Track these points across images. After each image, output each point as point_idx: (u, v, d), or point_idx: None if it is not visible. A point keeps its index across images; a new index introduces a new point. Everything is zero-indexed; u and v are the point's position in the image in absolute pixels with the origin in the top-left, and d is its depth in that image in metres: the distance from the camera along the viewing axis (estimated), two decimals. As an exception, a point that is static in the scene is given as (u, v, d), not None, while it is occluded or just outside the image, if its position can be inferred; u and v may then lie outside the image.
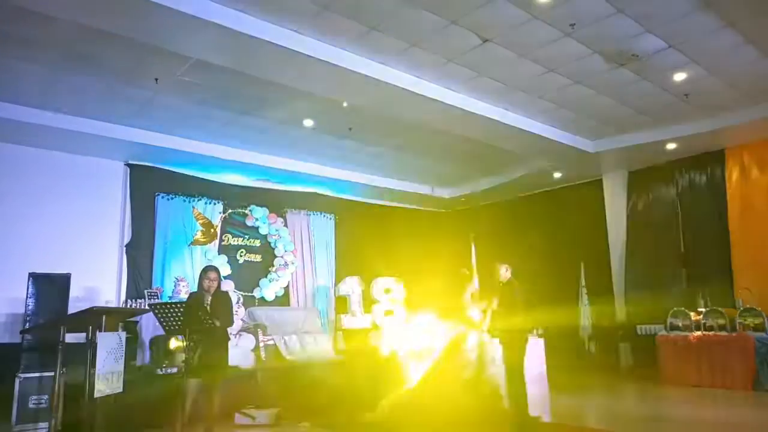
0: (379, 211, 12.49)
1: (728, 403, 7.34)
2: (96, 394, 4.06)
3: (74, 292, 6.87)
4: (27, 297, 6.51)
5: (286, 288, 10.67)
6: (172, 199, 9.57)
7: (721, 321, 8.38)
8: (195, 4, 5.17)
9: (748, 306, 8.31)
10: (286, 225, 10.92)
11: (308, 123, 8.43)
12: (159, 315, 4.77)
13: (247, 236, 10.52)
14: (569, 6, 5.51)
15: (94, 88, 6.99)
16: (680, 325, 8.83)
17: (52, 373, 4.76)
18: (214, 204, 10.06)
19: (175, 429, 4.82)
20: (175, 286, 8.34)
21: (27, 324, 6.45)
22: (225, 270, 9.38)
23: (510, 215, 12.42)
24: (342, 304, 10.70)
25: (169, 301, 7.19)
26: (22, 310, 6.68)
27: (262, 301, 10.26)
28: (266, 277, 10.49)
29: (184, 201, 9.69)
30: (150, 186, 9.36)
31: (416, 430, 5.33)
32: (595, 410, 7.53)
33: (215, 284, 5.44)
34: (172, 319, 4.75)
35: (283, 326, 9.15)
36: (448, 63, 6.69)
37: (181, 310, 4.76)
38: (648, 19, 5.81)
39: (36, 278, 6.60)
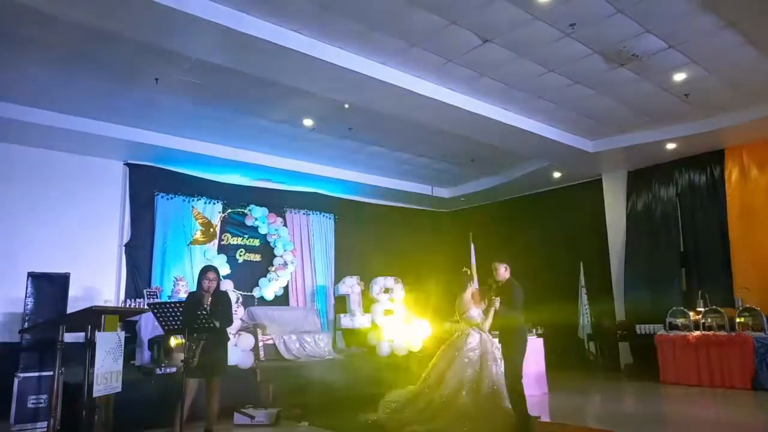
0: (379, 211, 12.49)
1: (727, 402, 7.34)
2: (95, 394, 4.05)
3: (73, 291, 6.87)
4: (26, 296, 6.51)
5: (286, 287, 10.67)
6: (171, 198, 9.57)
7: (721, 321, 8.38)
8: (196, 3, 5.17)
9: (747, 306, 8.32)
10: (285, 225, 10.92)
11: (308, 123, 8.43)
12: (158, 315, 4.77)
13: (246, 236, 10.52)
14: (569, 6, 5.51)
15: (94, 88, 6.98)
16: (679, 324, 8.84)
17: (51, 373, 4.78)
18: (214, 203, 10.06)
19: (175, 428, 4.81)
20: (174, 285, 8.33)
21: (26, 323, 6.45)
22: (224, 269, 9.37)
23: (510, 215, 12.43)
24: (341, 303, 10.70)
25: (169, 301, 7.18)
26: (21, 310, 6.68)
27: (262, 300, 10.25)
28: (265, 276, 10.49)
29: (184, 200, 9.70)
30: (149, 185, 9.37)
31: (417, 429, 5.32)
32: (595, 410, 7.54)
33: (214, 284, 5.44)
34: (171, 318, 4.74)
35: (283, 326, 9.15)
36: (448, 63, 6.69)
37: (181, 309, 4.76)
38: (648, 19, 5.81)
39: (35, 278, 6.60)
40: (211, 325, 4.87)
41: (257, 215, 10.51)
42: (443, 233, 13.25)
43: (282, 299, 10.59)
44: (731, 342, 8.12)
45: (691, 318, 8.76)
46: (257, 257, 10.59)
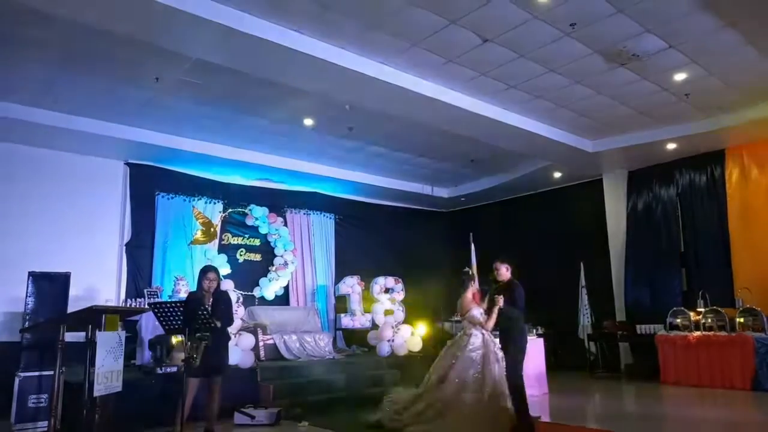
0: (379, 211, 12.50)
1: (727, 403, 7.34)
2: (95, 393, 4.05)
3: (74, 291, 6.87)
4: (27, 296, 6.51)
5: (286, 287, 10.68)
6: (172, 198, 9.58)
7: (721, 321, 8.38)
8: (196, 3, 5.17)
9: (747, 306, 8.31)
10: (285, 224, 10.93)
11: (308, 122, 8.43)
12: (159, 314, 4.77)
13: (247, 235, 10.54)
14: (569, 6, 5.51)
15: (95, 87, 6.99)
16: (680, 324, 8.83)
17: (52, 372, 4.77)
18: (214, 203, 10.07)
19: (175, 428, 4.82)
20: (174, 285, 8.33)
21: (26, 323, 6.45)
22: (225, 269, 9.38)
23: (510, 215, 12.43)
24: (342, 303, 10.71)
25: (169, 301, 7.19)
26: (21, 309, 6.67)
27: (262, 300, 10.26)
28: (266, 276, 10.49)
29: (184, 200, 9.71)
30: (150, 185, 9.38)
31: (419, 430, 5.32)
32: (595, 410, 7.55)
33: (214, 284, 5.45)
34: (171, 318, 4.75)
35: (283, 326, 9.16)
36: (449, 63, 6.69)
37: (181, 309, 4.77)
38: (648, 19, 5.81)
39: (36, 277, 6.60)
40: (213, 324, 4.88)
41: (258, 215, 10.52)
42: (443, 233, 13.25)
43: (282, 299, 10.59)
44: (731, 342, 8.12)
45: (692, 318, 8.75)
46: (258, 257, 10.60)
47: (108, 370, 4.16)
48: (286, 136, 9.00)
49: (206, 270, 5.50)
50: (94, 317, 4.31)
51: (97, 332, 4.21)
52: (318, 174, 10.56)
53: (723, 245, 9.26)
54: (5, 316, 7.58)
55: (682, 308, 9.00)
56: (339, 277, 11.05)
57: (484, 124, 8.15)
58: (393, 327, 9.59)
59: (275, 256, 10.69)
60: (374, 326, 10.08)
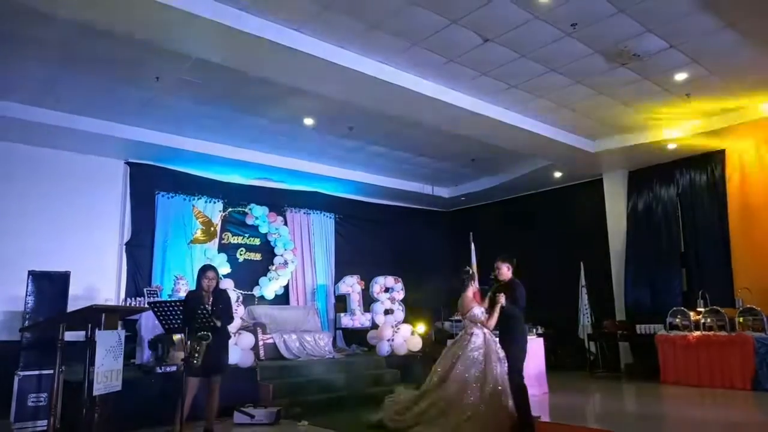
0: (379, 211, 12.49)
1: (728, 403, 7.34)
2: (95, 392, 4.05)
3: (74, 290, 6.86)
4: (26, 295, 6.50)
5: (286, 287, 10.68)
6: (172, 197, 9.57)
7: (721, 321, 8.38)
8: (196, 2, 5.16)
9: (747, 306, 8.31)
10: (285, 224, 10.92)
11: (308, 122, 8.43)
12: (158, 313, 4.78)
13: (247, 235, 10.53)
14: (570, 5, 5.51)
15: (95, 86, 6.98)
16: (680, 324, 8.83)
17: (51, 371, 4.77)
18: (214, 202, 10.06)
19: (175, 427, 4.81)
20: (174, 284, 8.33)
21: (26, 322, 6.44)
22: (225, 268, 9.38)
23: (510, 215, 12.42)
24: (341, 302, 10.71)
25: (169, 300, 7.18)
26: (21, 308, 6.67)
27: (262, 299, 10.26)
28: (266, 275, 10.49)
29: (184, 199, 9.70)
30: (150, 184, 9.37)
31: (418, 429, 5.32)
32: (595, 410, 7.55)
33: (214, 283, 5.45)
34: (171, 317, 4.75)
35: (283, 325, 9.16)
36: (449, 62, 6.69)
37: (181, 308, 4.77)
38: (649, 19, 5.81)
39: (35, 276, 6.59)
40: (212, 324, 4.87)
41: (258, 214, 10.52)
42: (443, 233, 13.25)
43: (282, 298, 10.59)
44: (731, 342, 8.12)
45: (692, 318, 8.75)
46: (258, 256, 10.59)
47: (107, 369, 4.15)
48: (286, 136, 9.00)
49: (205, 269, 5.49)
50: (93, 316, 4.31)
51: (97, 331, 4.21)
52: (318, 173, 10.55)
53: (723, 245, 9.25)
54: (5, 315, 7.58)
55: (682, 308, 9.00)
56: (339, 276, 11.05)
57: (485, 124, 8.15)
58: (393, 327, 9.60)
59: (275, 255, 10.68)
60: (374, 326, 10.08)
